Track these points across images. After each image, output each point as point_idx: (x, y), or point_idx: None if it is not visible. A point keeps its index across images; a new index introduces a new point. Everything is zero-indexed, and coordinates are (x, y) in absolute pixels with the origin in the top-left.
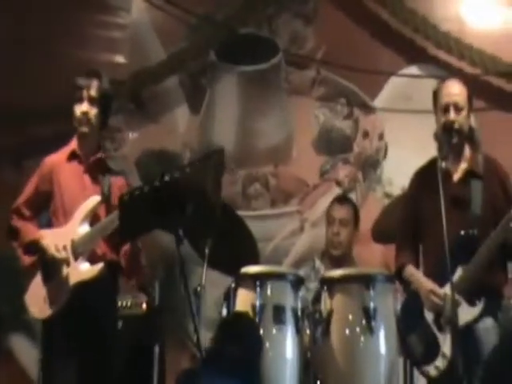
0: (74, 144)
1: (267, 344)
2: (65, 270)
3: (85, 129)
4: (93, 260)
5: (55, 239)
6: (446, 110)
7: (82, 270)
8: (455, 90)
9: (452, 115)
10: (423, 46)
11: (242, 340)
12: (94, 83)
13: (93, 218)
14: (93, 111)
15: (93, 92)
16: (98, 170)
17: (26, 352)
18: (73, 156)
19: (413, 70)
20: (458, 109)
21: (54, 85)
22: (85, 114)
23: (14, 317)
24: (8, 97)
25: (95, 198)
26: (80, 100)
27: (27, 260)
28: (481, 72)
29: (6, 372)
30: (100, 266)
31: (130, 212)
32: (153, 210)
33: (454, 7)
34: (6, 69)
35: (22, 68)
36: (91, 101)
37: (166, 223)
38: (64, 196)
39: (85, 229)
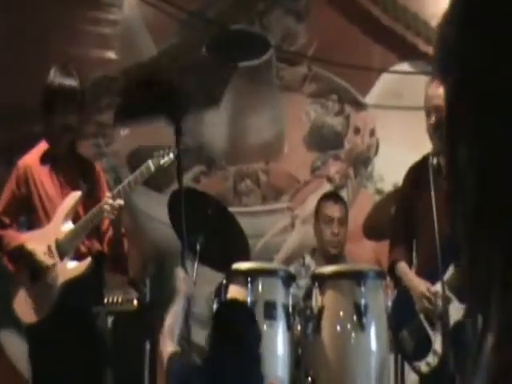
0: (46, 144)
1: None
2: (52, 272)
3: (68, 137)
4: (78, 256)
5: (39, 241)
6: (427, 114)
7: (70, 269)
8: (434, 93)
9: (432, 119)
10: (414, 42)
11: (240, 340)
12: (76, 90)
13: (75, 214)
14: (76, 119)
15: (74, 102)
16: (73, 166)
17: (17, 348)
18: (47, 156)
19: (404, 66)
20: (438, 111)
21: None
22: (70, 125)
23: (4, 312)
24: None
25: (76, 194)
26: (62, 111)
27: (12, 267)
28: None
29: None
30: (87, 261)
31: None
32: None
33: (445, 5)
34: None
35: (12, 66)
36: (73, 111)
37: (168, 111)
38: (43, 197)
39: (68, 226)
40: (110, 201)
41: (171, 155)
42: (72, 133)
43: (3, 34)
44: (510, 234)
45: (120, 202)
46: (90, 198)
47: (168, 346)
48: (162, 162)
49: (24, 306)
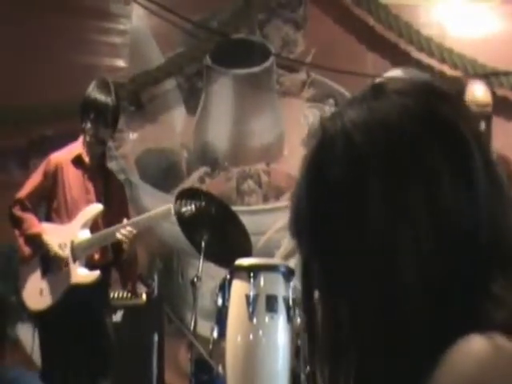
0: (80, 148)
1: (260, 332)
2: (64, 269)
3: (99, 150)
4: (90, 264)
5: (56, 236)
6: None
7: (80, 275)
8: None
9: None
10: (407, 50)
11: None
12: (108, 106)
13: (93, 224)
14: (107, 133)
15: (106, 117)
16: (102, 178)
17: (32, 341)
18: (78, 159)
19: (397, 72)
20: None
21: (59, 88)
22: (100, 138)
23: (21, 307)
24: (14, 100)
25: (97, 207)
26: (94, 123)
27: (27, 251)
28: (461, 74)
29: (13, 360)
30: (96, 274)
31: None
32: None
33: (436, 15)
34: (13, 75)
35: (26, 71)
36: (104, 125)
37: None
38: (68, 197)
39: (85, 234)
40: (123, 230)
41: (192, 207)
42: (102, 146)
43: (17, 41)
44: None
45: (133, 231)
46: (111, 214)
47: None
48: (183, 210)
49: (31, 293)
